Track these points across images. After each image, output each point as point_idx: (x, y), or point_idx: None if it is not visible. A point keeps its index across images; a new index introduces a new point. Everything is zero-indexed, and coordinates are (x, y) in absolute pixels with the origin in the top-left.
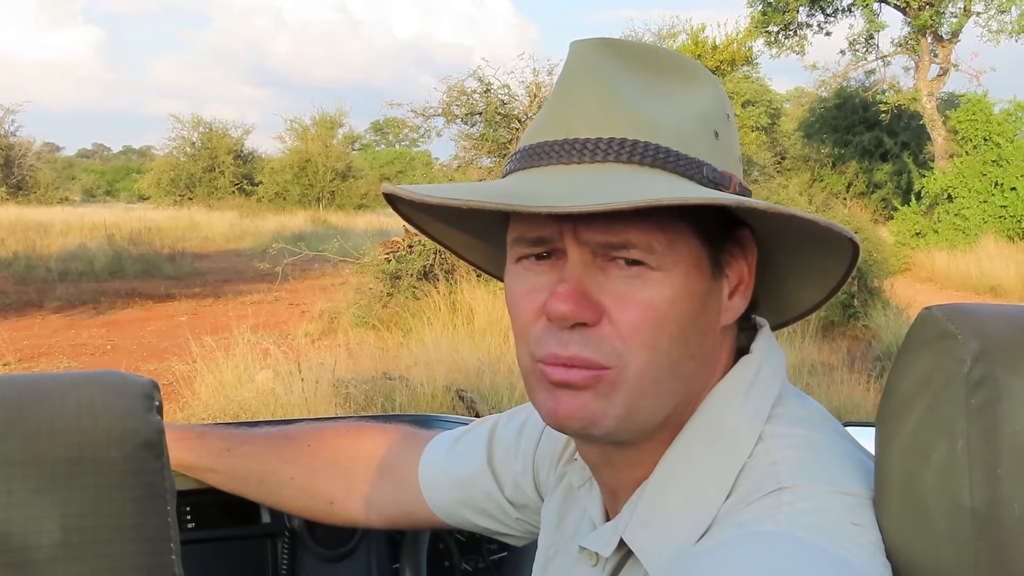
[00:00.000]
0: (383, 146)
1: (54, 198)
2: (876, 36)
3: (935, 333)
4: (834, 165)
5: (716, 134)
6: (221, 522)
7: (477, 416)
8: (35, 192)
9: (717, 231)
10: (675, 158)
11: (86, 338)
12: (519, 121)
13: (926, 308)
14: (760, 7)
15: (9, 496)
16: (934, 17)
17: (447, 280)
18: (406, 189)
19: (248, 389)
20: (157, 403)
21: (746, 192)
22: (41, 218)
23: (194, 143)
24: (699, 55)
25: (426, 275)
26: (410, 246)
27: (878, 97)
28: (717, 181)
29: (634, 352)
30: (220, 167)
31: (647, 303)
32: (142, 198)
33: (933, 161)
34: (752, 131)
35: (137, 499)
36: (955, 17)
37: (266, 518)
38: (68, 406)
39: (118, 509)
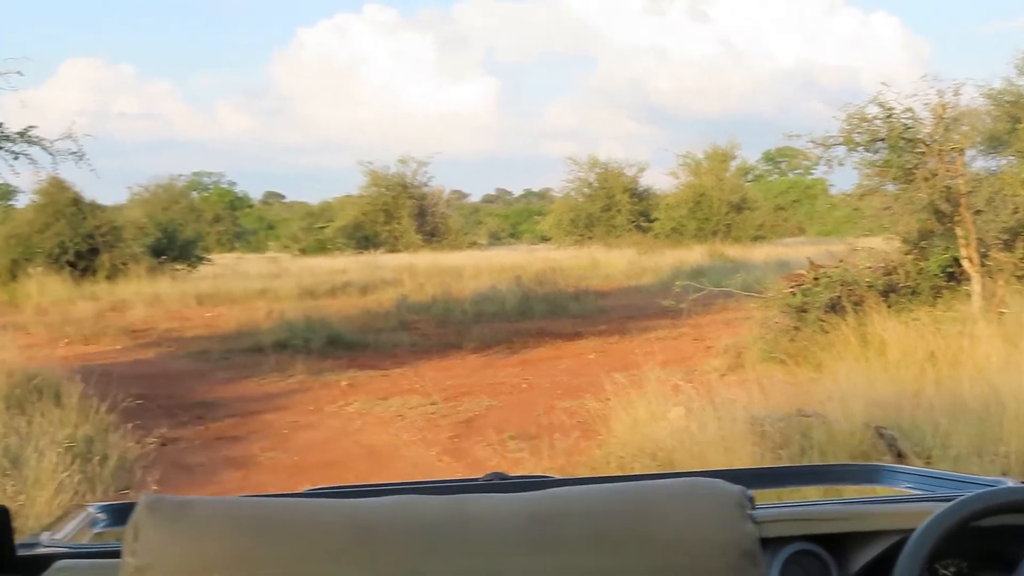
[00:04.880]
0: (775, 176)
1: (463, 242)
2: None
3: None
4: None
5: None
6: None
7: (900, 456)
8: (446, 238)
9: None
10: None
11: (503, 377)
12: (925, 144)
13: None
14: None
15: None
16: None
17: (855, 312)
18: None
19: (661, 427)
20: (750, 511)
21: None
22: (453, 262)
23: (591, 183)
24: None
25: (833, 307)
26: (816, 278)
27: None
28: None
29: None
30: (617, 205)
31: None
32: (544, 239)
33: None
34: None
35: None
36: None
37: None
38: (671, 515)
39: None
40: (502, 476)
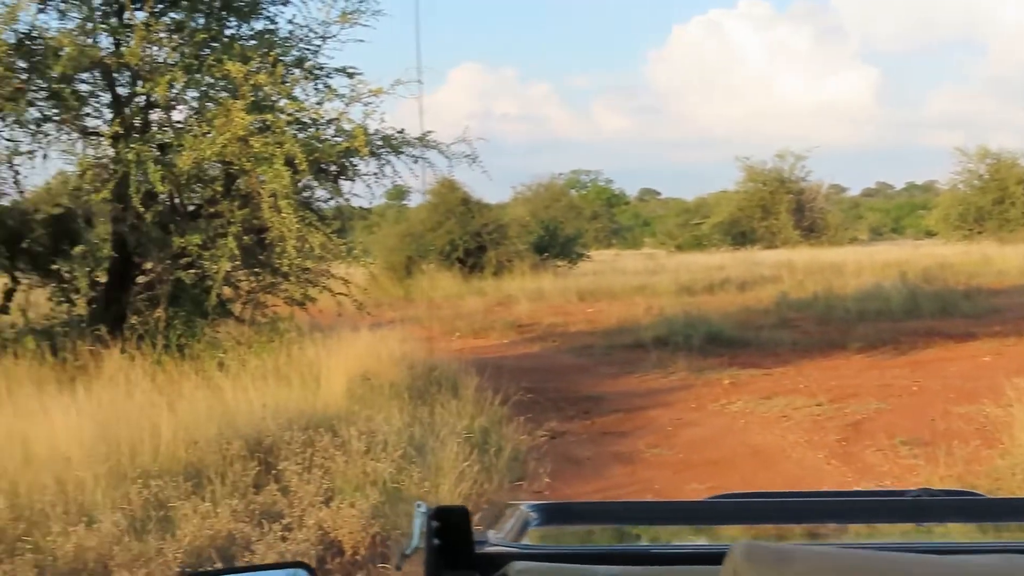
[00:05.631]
0: None
1: (843, 238)
2: None
3: None
4: None
5: None
6: None
7: None
8: (825, 233)
9: None
10: None
11: (890, 378)
12: None
13: None
14: None
15: None
16: None
17: None
18: None
19: None
20: None
21: None
22: (833, 258)
23: (981, 175)
24: None
25: None
26: None
27: None
28: None
29: None
30: (1010, 198)
31: None
32: (929, 234)
33: None
34: None
35: None
36: None
37: None
38: None
39: None
40: (930, 492)
